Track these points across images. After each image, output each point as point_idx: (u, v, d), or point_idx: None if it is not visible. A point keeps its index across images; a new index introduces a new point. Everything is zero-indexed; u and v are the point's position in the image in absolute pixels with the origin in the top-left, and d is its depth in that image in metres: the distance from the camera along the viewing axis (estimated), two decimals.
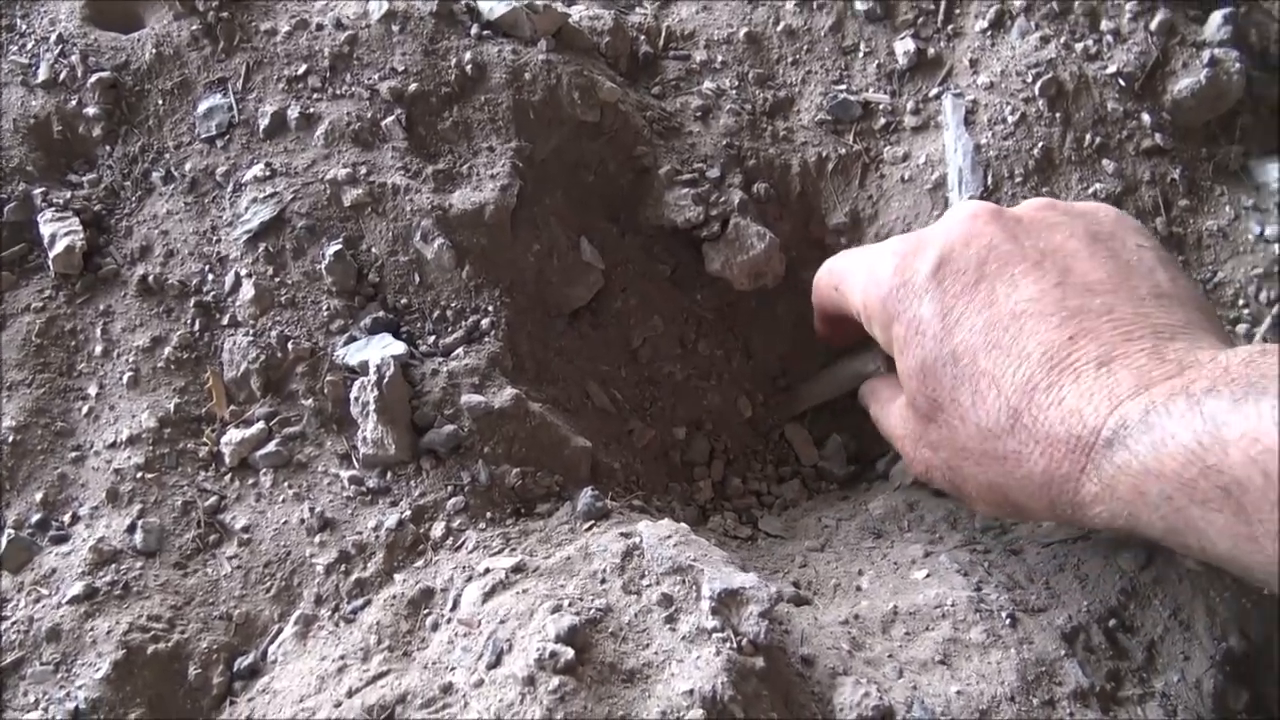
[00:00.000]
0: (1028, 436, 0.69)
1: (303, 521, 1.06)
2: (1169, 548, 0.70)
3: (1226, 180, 1.39)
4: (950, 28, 1.45)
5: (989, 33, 1.43)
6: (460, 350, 1.16)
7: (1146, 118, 1.37)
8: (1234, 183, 1.39)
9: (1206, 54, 1.40)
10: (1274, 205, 1.37)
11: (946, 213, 0.93)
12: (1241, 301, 1.31)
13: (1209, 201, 1.37)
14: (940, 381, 0.74)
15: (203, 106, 1.26)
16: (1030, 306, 0.70)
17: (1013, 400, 0.70)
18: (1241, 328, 1.29)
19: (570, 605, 0.98)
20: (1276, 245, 1.32)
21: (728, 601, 1.01)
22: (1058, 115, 1.36)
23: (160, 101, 1.27)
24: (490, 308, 1.19)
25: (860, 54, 1.45)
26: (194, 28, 1.28)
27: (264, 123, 1.24)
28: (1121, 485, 0.65)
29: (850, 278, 0.87)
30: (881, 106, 1.42)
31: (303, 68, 1.27)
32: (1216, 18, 1.44)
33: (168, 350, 1.15)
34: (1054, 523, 1.26)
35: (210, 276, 1.18)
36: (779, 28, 1.47)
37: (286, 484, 1.09)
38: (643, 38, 1.46)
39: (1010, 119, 1.36)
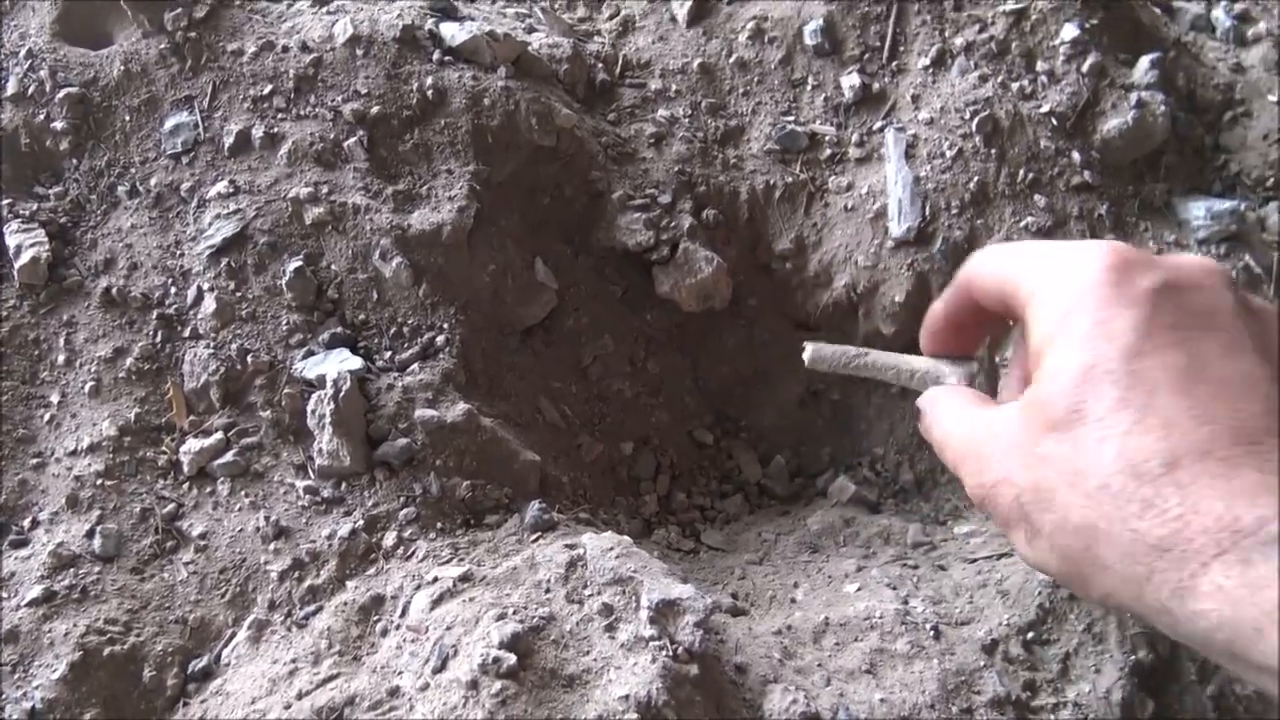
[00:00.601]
0: (1174, 492, 0.60)
1: (258, 529, 1.10)
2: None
3: (1151, 216, 1.47)
4: (894, 64, 1.52)
5: (930, 70, 1.50)
6: (415, 366, 1.20)
7: (1077, 155, 1.45)
8: (1158, 219, 1.47)
9: (1134, 96, 1.48)
10: (1194, 241, 1.45)
11: (1183, 255, 0.91)
12: None
13: (1134, 236, 1.44)
14: (1101, 392, 0.67)
15: (169, 123, 1.29)
16: (1235, 377, 0.65)
17: (1178, 450, 0.62)
18: None
19: (515, 613, 1.03)
20: None
21: (665, 611, 1.06)
22: (993, 151, 1.43)
23: (127, 117, 1.30)
24: (445, 325, 1.23)
25: (809, 87, 1.51)
26: (162, 46, 1.32)
27: (229, 141, 1.28)
28: (1261, 595, 0.55)
29: (1036, 254, 0.71)
30: (827, 138, 1.48)
31: (268, 88, 1.31)
32: (1144, 62, 1.52)
33: (129, 361, 1.18)
34: (977, 538, 1.33)
35: (173, 290, 1.22)
36: (731, 60, 1.53)
37: (243, 493, 1.13)
38: (600, 66, 1.51)
39: (949, 153, 1.43)
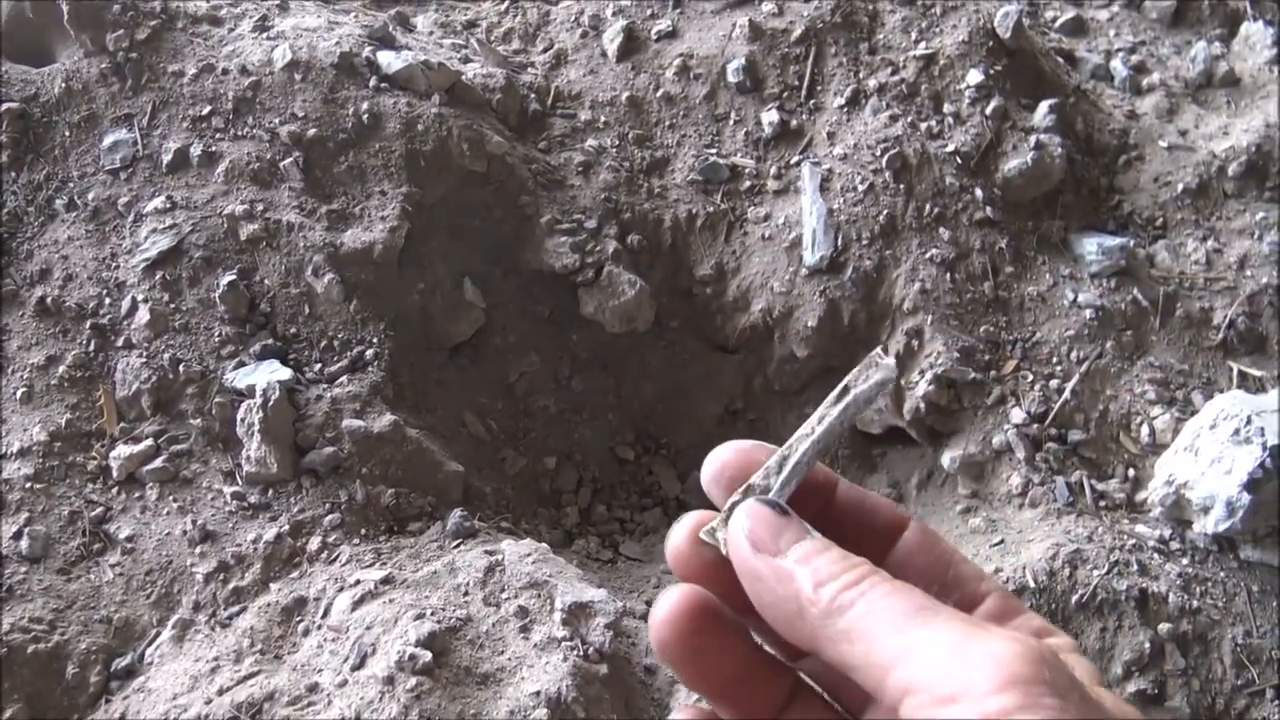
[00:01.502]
0: None
1: (185, 533, 1.13)
2: None
3: (1048, 251, 1.57)
4: (812, 102, 1.61)
5: (845, 109, 1.59)
6: (344, 378, 1.25)
7: (980, 192, 1.54)
8: (1055, 254, 1.57)
9: (1034, 138, 1.58)
10: (1088, 275, 1.54)
11: None
12: (1055, 359, 1.47)
13: (1032, 269, 1.54)
14: None
15: (108, 140, 1.33)
16: None
17: None
18: (1054, 383, 1.45)
19: (433, 614, 1.07)
20: (1088, 311, 1.49)
21: (578, 613, 1.11)
22: (902, 186, 1.52)
23: (67, 133, 1.34)
24: (375, 340, 1.28)
25: (731, 121, 1.60)
26: (103, 65, 1.36)
27: (167, 158, 1.32)
28: None
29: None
30: (747, 170, 1.56)
31: (207, 108, 1.35)
32: (1044, 107, 1.62)
33: (62, 368, 1.21)
34: None
35: (107, 300, 1.25)
36: (659, 94, 1.60)
37: (171, 498, 1.16)
38: (533, 96, 1.58)
39: (860, 187, 1.52)
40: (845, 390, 0.45)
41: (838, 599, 0.40)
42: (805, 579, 0.40)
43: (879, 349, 0.48)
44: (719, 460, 0.45)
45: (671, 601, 0.42)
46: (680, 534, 0.44)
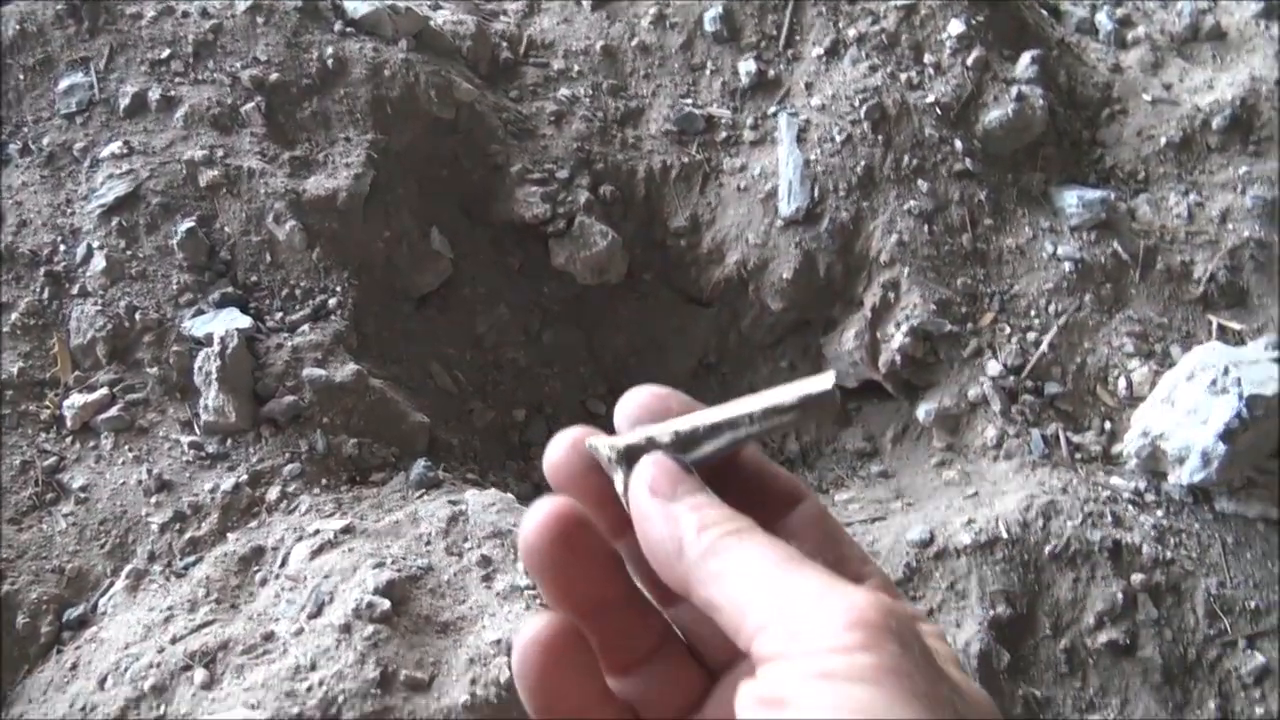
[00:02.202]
0: None
1: (140, 483, 1.11)
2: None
3: (1028, 204, 1.54)
4: (790, 52, 1.58)
5: (824, 59, 1.55)
6: (306, 327, 1.22)
7: (959, 144, 1.51)
8: (1034, 206, 1.54)
9: (1015, 90, 1.55)
10: (1068, 228, 1.52)
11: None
12: (1033, 312, 1.45)
13: (1011, 222, 1.51)
14: None
15: (64, 84, 1.30)
16: None
17: None
18: (1031, 335, 1.43)
19: (393, 563, 1.05)
20: (1067, 264, 1.47)
21: None
22: (880, 137, 1.49)
23: (21, 77, 1.30)
24: (338, 289, 1.25)
25: (707, 71, 1.56)
26: (59, 7, 1.32)
27: (124, 102, 1.29)
28: None
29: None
30: (723, 121, 1.53)
31: (166, 52, 1.32)
32: (1026, 58, 1.59)
33: (14, 316, 1.18)
34: (855, 504, 1.38)
35: (62, 247, 1.22)
36: (634, 43, 1.57)
37: (127, 447, 1.14)
38: (505, 44, 1.54)
39: (838, 138, 1.49)
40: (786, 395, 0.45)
41: (716, 543, 0.40)
42: (690, 523, 0.41)
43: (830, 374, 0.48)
44: (637, 402, 0.44)
45: (543, 510, 0.41)
46: (559, 446, 0.43)
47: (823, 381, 0.44)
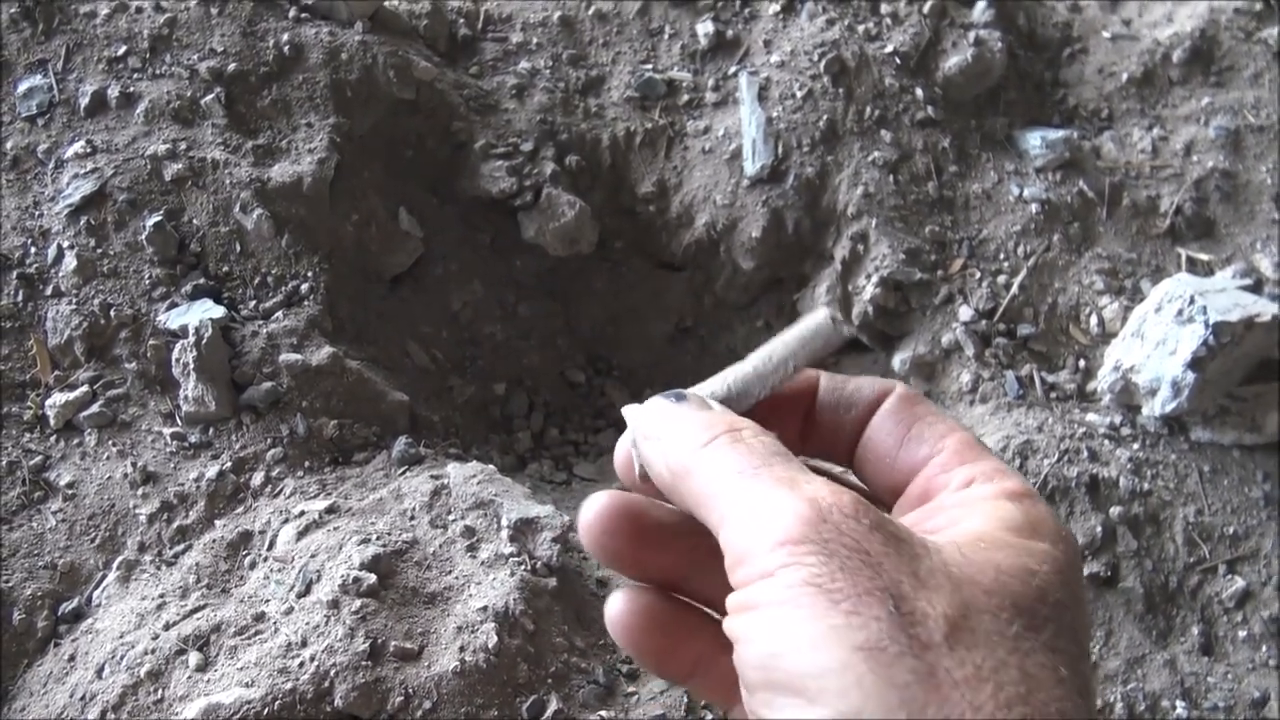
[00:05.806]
0: None
1: (126, 476, 1.13)
2: None
3: (992, 148, 1.55)
4: (747, 11, 1.58)
5: (781, 16, 1.56)
6: (280, 313, 1.23)
7: (920, 92, 1.52)
8: (999, 150, 1.55)
9: (972, 35, 1.56)
10: (1033, 170, 1.53)
11: None
12: (1002, 255, 1.46)
13: (976, 167, 1.52)
14: None
15: (22, 87, 1.30)
16: None
17: None
18: (1002, 279, 1.45)
19: (378, 538, 1.07)
20: (1034, 205, 1.48)
21: (524, 529, 1.11)
22: (841, 91, 1.50)
23: None
24: (310, 274, 1.26)
25: (666, 36, 1.57)
26: (13, 10, 1.32)
27: (84, 102, 1.29)
28: None
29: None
30: (685, 84, 1.53)
31: (123, 49, 1.32)
32: (981, 2, 1.60)
33: None
34: None
35: (33, 249, 1.23)
36: (590, 11, 1.57)
37: (110, 442, 1.15)
38: (462, 21, 1.54)
39: (799, 94, 1.49)
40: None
41: (680, 464, 0.40)
42: (659, 451, 0.41)
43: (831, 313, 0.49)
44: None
45: (597, 503, 0.44)
46: (624, 443, 0.45)
47: (818, 316, 0.48)
